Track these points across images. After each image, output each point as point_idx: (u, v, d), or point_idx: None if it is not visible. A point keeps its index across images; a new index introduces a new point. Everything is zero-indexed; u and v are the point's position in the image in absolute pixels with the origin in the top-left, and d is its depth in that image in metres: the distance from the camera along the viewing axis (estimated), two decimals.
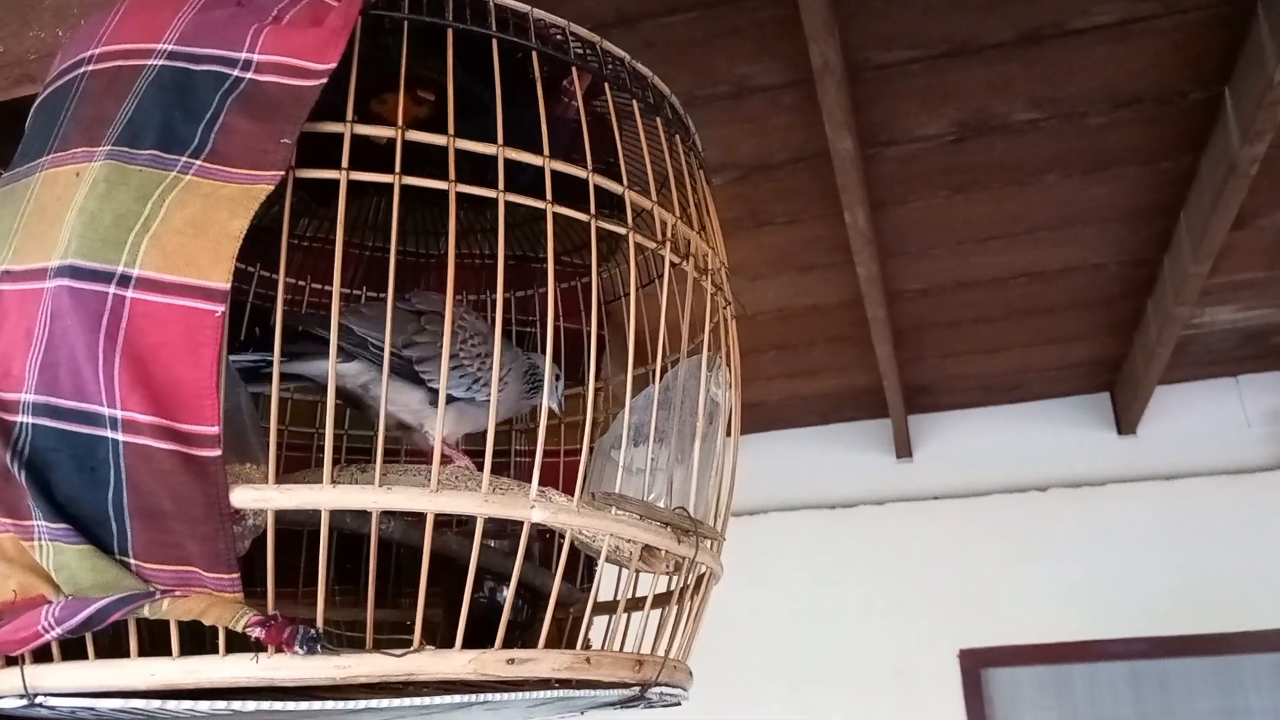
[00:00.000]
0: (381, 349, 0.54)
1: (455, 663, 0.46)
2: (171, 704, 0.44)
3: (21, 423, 0.49)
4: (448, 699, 0.47)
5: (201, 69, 0.57)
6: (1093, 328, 2.38)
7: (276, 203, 0.84)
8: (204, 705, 0.44)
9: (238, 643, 0.45)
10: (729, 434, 0.70)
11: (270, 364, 0.57)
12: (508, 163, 0.57)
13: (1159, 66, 1.52)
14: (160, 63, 0.59)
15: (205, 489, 0.45)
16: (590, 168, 0.59)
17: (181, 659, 0.45)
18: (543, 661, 0.49)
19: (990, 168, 1.76)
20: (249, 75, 0.56)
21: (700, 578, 0.65)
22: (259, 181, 0.51)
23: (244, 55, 0.57)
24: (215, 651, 0.45)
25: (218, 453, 0.46)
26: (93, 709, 0.47)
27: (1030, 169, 1.76)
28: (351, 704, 0.45)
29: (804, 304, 2.24)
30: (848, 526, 2.78)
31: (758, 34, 1.46)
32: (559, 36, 0.71)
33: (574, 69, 0.68)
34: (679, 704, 0.65)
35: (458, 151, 0.55)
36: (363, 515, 0.68)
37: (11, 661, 0.48)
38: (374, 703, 0.46)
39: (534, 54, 0.63)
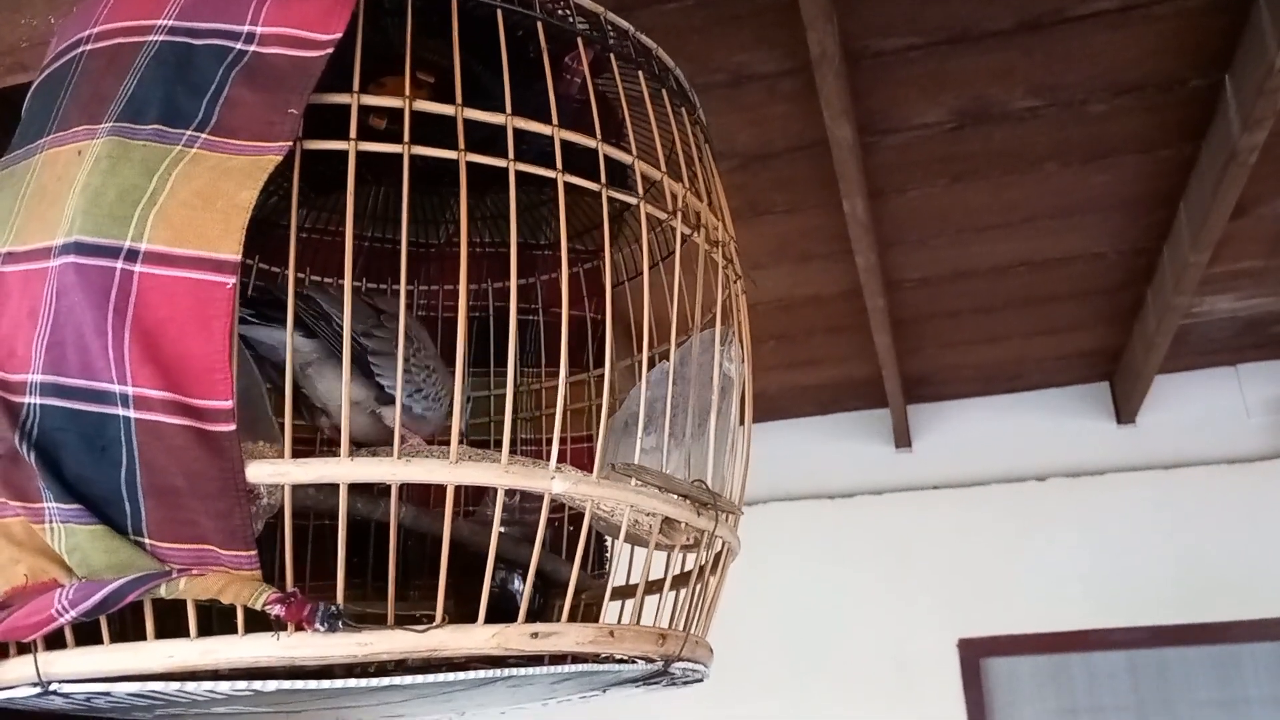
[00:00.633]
0: (340, 329, 0.53)
1: (478, 637, 0.45)
2: (191, 686, 0.43)
3: (29, 404, 0.48)
4: (473, 675, 0.46)
5: (203, 43, 0.56)
6: (1092, 317, 2.38)
7: (275, 193, 0.83)
8: (224, 686, 0.43)
9: (256, 622, 0.44)
10: (742, 408, 0.70)
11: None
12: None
13: (1159, 54, 1.51)
14: (161, 38, 0.58)
15: (220, 464, 0.44)
16: (599, 137, 0.58)
17: (199, 640, 0.43)
18: (566, 635, 0.48)
19: (989, 156, 1.75)
20: (252, 48, 0.55)
21: (719, 554, 0.65)
22: (266, 152, 0.50)
23: (246, 28, 0.56)
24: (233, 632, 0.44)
25: (232, 427, 0.45)
26: (108, 695, 0.45)
27: (1030, 157, 1.76)
28: (374, 681, 0.44)
29: (803, 294, 2.23)
30: (847, 516, 2.77)
31: (755, 22, 1.45)
32: (562, 10, 0.70)
33: (578, 41, 0.67)
34: (701, 680, 0.65)
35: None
36: (372, 501, 0.68)
37: (23, 650, 0.47)
38: (396, 679, 0.45)
39: (539, 24, 0.63)
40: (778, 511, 2.79)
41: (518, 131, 0.58)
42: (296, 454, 0.47)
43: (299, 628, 0.43)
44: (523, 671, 0.48)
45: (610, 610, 0.75)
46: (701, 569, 0.62)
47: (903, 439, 2.81)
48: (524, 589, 0.75)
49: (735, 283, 0.75)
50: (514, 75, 0.64)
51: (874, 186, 1.81)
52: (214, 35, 0.57)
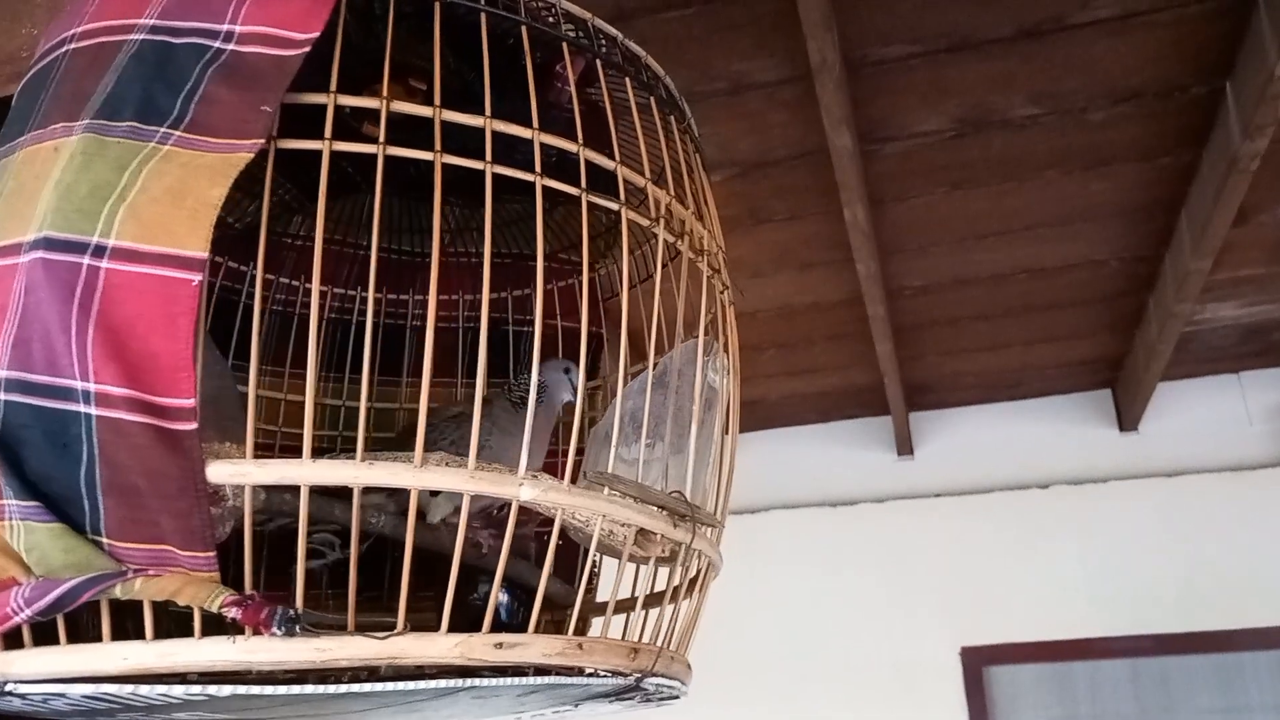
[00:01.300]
0: None
1: (440, 646, 0.44)
2: (144, 689, 0.43)
3: None
4: (433, 684, 0.45)
5: (183, 42, 0.56)
6: (1094, 324, 2.37)
7: (273, 198, 0.83)
8: (179, 690, 0.43)
9: (214, 626, 0.43)
10: (728, 421, 0.69)
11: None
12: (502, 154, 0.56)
13: (1159, 61, 1.50)
14: (142, 37, 0.58)
15: (180, 464, 0.44)
16: (580, 141, 0.57)
17: (155, 642, 0.43)
18: (532, 646, 0.47)
19: (990, 164, 1.74)
20: (230, 46, 0.55)
21: (699, 571, 0.64)
22: (238, 150, 0.49)
23: (226, 27, 0.56)
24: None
25: (193, 426, 0.44)
26: (64, 696, 0.45)
27: (1030, 165, 1.75)
28: (331, 688, 0.44)
29: (804, 301, 2.23)
30: (849, 524, 2.76)
31: (755, 30, 1.44)
32: (550, 19, 0.70)
33: (565, 48, 0.66)
34: (677, 697, 0.63)
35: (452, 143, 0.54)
36: (351, 507, 0.67)
37: None
38: (355, 687, 0.44)
39: (524, 29, 0.62)
40: (779, 519, 2.78)
41: (512, 140, 0.57)
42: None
43: (256, 631, 0.42)
44: (485, 682, 0.47)
45: (595, 626, 0.74)
46: (678, 585, 0.61)
47: (904, 446, 2.80)
48: (507, 602, 0.75)
49: (723, 293, 0.74)
50: (507, 85, 0.64)
51: (874, 194, 1.80)
52: (194, 34, 0.57)
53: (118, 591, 0.43)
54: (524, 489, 0.49)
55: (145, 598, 0.43)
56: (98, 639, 0.45)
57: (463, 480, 0.47)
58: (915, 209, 1.87)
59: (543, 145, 0.58)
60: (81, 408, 0.45)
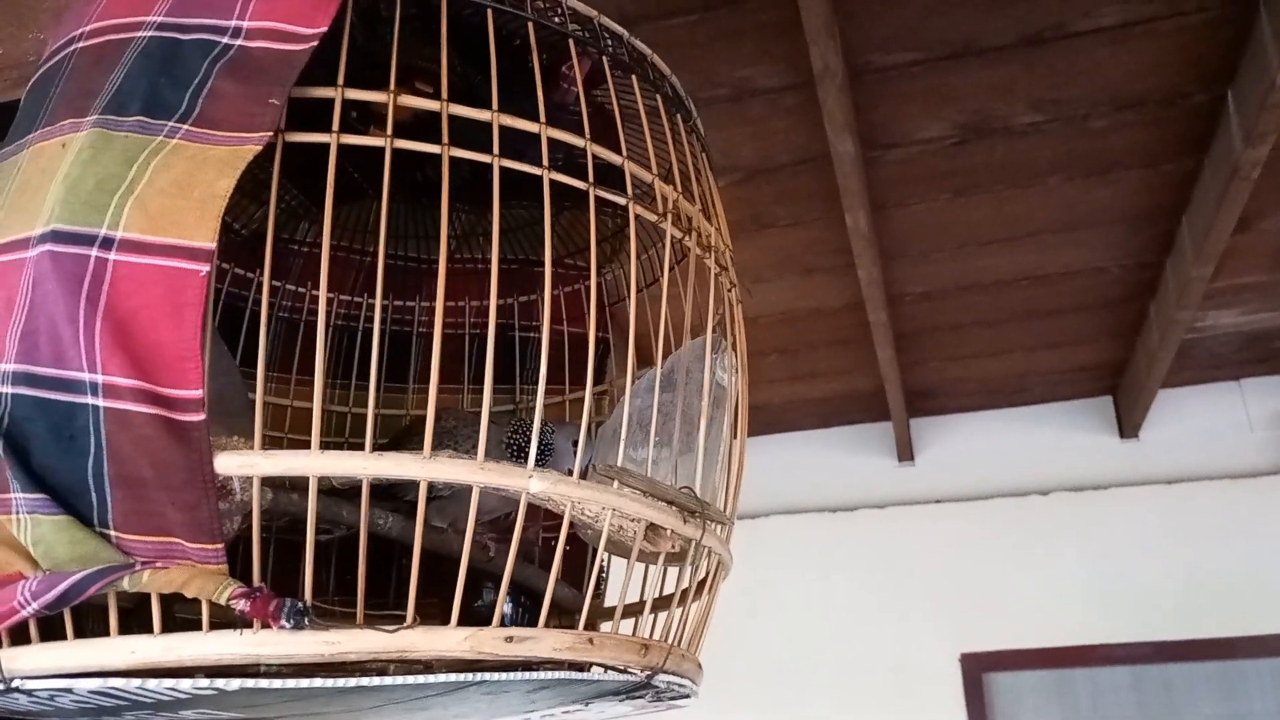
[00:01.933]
0: None
1: (450, 640, 0.44)
2: (152, 683, 0.42)
3: (2, 393, 0.47)
4: (443, 678, 0.44)
5: (190, 38, 0.56)
6: (1095, 331, 2.37)
7: (279, 205, 0.82)
8: (186, 684, 0.42)
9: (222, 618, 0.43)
10: (736, 419, 0.68)
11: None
12: (510, 153, 0.55)
13: (1161, 68, 1.51)
14: (149, 34, 0.58)
15: (187, 455, 0.44)
16: (588, 135, 0.57)
17: (162, 636, 0.42)
18: (543, 641, 0.47)
19: (992, 170, 1.75)
20: (239, 42, 0.55)
21: (709, 571, 0.63)
22: (246, 143, 0.49)
23: (234, 23, 0.56)
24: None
25: (201, 417, 0.44)
26: (71, 692, 0.44)
27: (1032, 172, 1.75)
28: (341, 681, 0.43)
29: (806, 307, 2.23)
30: (849, 530, 2.76)
31: (758, 36, 1.45)
32: (557, 18, 0.70)
33: (571, 45, 0.66)
34: (689, 696, 0.63)
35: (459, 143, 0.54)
36: (359, 508, 0.67)
37: None
38: (364, 681, 0.44)
39: (530, 26, 0.62)
40: (780, 524, 2.78)
41: (519, 145, 0.57)
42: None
43: (265, 624, 0.42)
44: (495, 676, 0.46)
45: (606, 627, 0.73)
46: (689, 579, 0.60)
47: (905, 452, 2.79)
48: (511, 610, 0.74)
49: (730, 290, 0.74)
50: (513, 87, 0.63)
51: (876, 200, 1.80)
52: (201, 30, 0.57)
53: (125, 584, 0.43)
54: (533, 481, 0.48)
55: (153, 590, 0.43)
56: (102, 634, 0.45)
57: (471, 472, 0.47)
58: (917, 215, 1.87)
59: (550, 149, 0.58)
60: (89, 399, 0.45)
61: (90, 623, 0.47)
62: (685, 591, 0.61)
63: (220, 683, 0.42)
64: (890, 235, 1.92)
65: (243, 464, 0.44)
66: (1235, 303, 2.22)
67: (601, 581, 0.89)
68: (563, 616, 0.81)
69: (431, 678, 0.44)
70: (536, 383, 0.98)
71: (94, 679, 0.43)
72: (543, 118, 0.57)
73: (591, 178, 0.57)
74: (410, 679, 0.44)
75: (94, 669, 0.43)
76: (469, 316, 1.00)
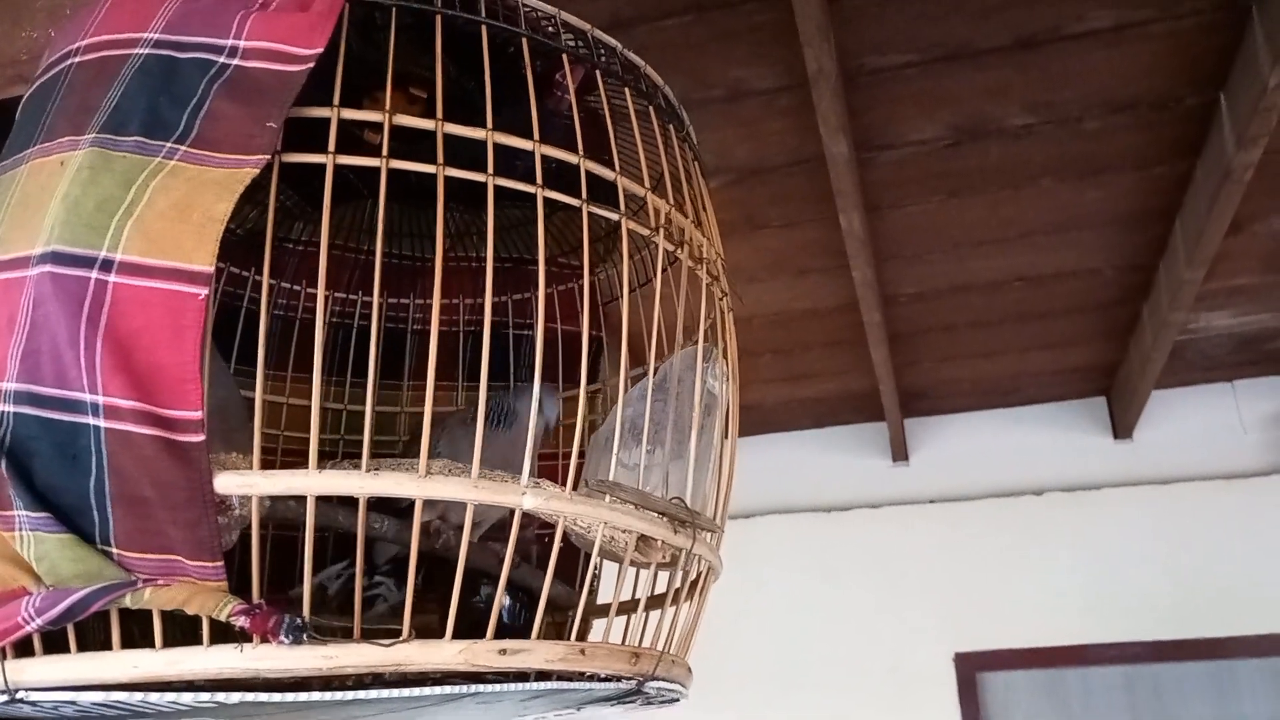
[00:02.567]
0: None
1: (445, 653, 0.45)
2: (154, 697, 0.43)
3: (3, 412, 0.48)
4: (438, 690, 0.45)
5: (188, 56, 0.57)
6: (1088, 332, 2.38)
7: (268, 203, 0.83)
8: (187, 697, 0.43)
9: (222, 634, 0.44)
10: (728, 427, 0.69)
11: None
12: (503, 162, 0.56)
13: (1154, 72, 1.52)
14: (146, 51, 0.58)
15: (188, 474, 0.44)
16: (581, 152, 0.58)
17: (164, 650, 0.43)
18: (535, 652, 0.48)
19: (985, 172, 1.75)
20: (235, 62, 0.55)
21: (699, 574, 0.64)
22: (244, 165, 0.50)
23: (230, 42, 0.56)
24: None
25: (201, 438, 0.45)
26: (74, 704, 0.45)
27: (1025, 174, 1.76)
28: (338, 695, 0.44)
29: (800, 308, 2.24)
30: (843, 530, 2.77)
31: (753, 38, 1.45)
32: (550, 28, 0.70)
33: (564, 58, 0.67)
34: (677, 700, 0.64)
35: (452, 151, 0.55)
36: (355, 513, 0.67)
37: None
38: (361, 693, 0.45)
39: (524, 41, 0.63)
40: (773, 525, 2.79)
41: (513, 149, 0.58)
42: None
43: (264, 640, 0.43)
44: (490, 688, 0.47)
45: (597, 630, 0.75)
46: (678, 589, 0.61)
47: (899, 453, 2.80)
48: (509, 605, 0.75)
49: (721, 299, 0.75)
50: (507, 93, 0.64)
51: (870, 202, 1.81)
52: (198, 49, 0.57)
53: (127, 601, 0.44)
54: (526, 498, 0.49)
55: (154, 607, 0.44)
56: (105, 646, 0.46)
57: (466, 489, 0.48)
58: (911, 216, 1.88)
59: (543, 154, 0.59)
60: (90, 420, 0.45)
61: (93, 631, 0.47)
62: (676, 597, 0.62)
63: (221, 696, 0.43)
64: (884, 236, 1.93)
65: (242, 484, 0.45)
66: (1228, 305, 2.23)
67: (595, 580, 0.90)
68: (556, 613, 0.82)
69: (427, 690, 0.45)
70: (531, 380, 1.00)
71: (97, 691, 0.44)
72: (536, 135, 0.57)
73: (584, 194, 0.58)
74: (406, 691, 0.45)
75: (97, 682, 0.44)
76: (463, 314, 1.01)
